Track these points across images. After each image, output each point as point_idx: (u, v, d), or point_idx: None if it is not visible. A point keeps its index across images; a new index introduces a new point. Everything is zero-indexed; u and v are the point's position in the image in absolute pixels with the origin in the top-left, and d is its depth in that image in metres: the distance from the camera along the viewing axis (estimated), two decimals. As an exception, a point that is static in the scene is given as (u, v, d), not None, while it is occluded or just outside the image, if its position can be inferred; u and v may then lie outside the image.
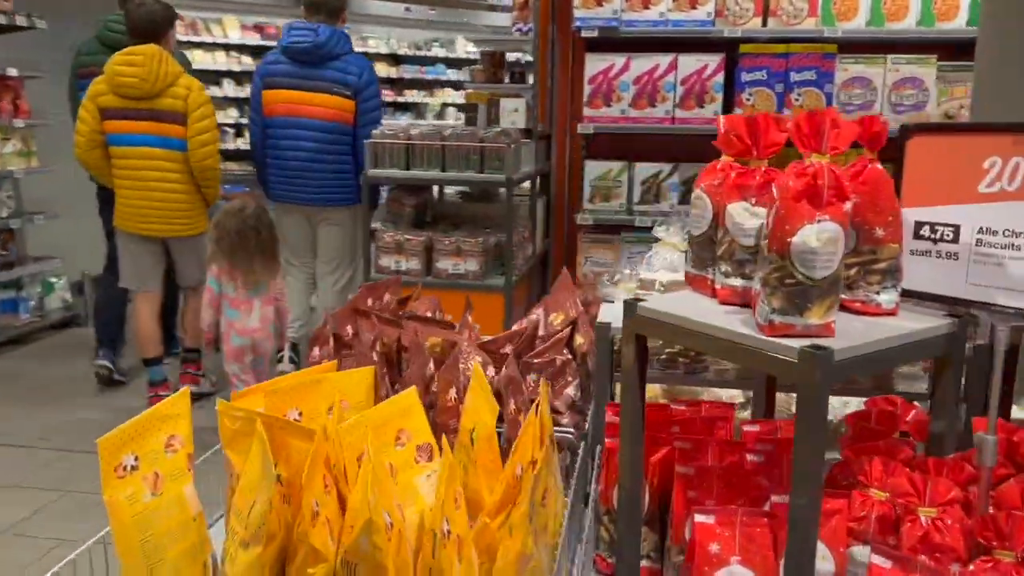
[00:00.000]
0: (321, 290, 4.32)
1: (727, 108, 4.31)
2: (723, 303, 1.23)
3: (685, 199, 4.44)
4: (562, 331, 1.90)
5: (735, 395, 2.25)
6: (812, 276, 1.05)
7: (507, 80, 4.94)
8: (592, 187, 4.45)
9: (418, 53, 10.85)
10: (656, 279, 1.78)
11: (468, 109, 4.55)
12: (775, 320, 1.05)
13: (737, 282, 1.21)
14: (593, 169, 4.44)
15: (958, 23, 4.03)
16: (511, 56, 5.36)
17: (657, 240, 2.05)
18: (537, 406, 1.30)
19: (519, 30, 4.57)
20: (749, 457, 1.30)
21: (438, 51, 10.94)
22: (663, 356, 1.89)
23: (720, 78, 4.27)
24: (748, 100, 4.25)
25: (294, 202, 4.13)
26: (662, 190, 4.43)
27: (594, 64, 4.35)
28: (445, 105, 10.65)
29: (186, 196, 3.93)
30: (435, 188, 4.55)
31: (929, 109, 4.09)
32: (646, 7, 4.27)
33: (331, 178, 4.03)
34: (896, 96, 4.11)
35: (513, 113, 4.40)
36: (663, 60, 4.30)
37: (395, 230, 4.07)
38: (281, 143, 4.01)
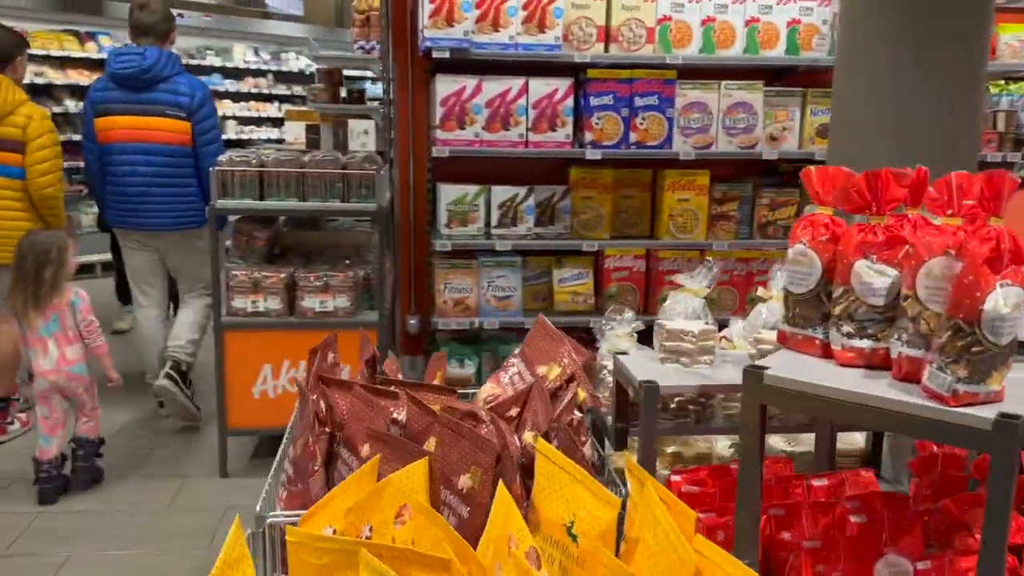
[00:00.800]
0: (182, 304, 4.38)
1: (577, 132, 4.39)
2: (845, 365, 1.21)
3: (541, 221, 4.47)
4: (563, 385, 1.80)
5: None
6: (998, 343, 1.06)
7: (343, 102, 4.67)
8: (448, 212, 4.33)
9: (191, 62, 10.05)
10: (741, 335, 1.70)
11: (309, 131, 4.24)
12: (959, 390, 1.05)
13: (864, 344, 1.19)
14: (449, 193, 4.33)
15: (778, 51, 4.41)
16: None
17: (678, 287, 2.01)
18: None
19: (361, 48, 4.33)
20: (852, 519, 1.29)
21: (213, 60, 10.20)
22: (673, 406, 1.86)
23: (570, 102, 4.33)
24: (597, 124, 4.36)
25: (136, 228, 4.11)
26: (519, 213, 4.41)
27: (446, 86, 4.24)
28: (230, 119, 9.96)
29: (29, 225, 3.82)
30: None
31: (757, 132, 4.44)
32: (496, 30, 4.23)
33: (174, 201, 4.04)
34: (729, 120, 4.41)
35: (363, 135, 4.16)
36: (515, 83, 4.29)
37: (248, 267, 3.69)
38: (118, 169, 4.00)
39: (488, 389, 1.97)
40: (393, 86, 4.26)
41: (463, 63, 4.29)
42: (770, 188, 4.54)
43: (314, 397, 1.69)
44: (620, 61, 4.33)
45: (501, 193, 4.37)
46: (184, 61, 9.17)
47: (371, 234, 4.45)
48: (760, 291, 1.78)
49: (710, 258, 1.90)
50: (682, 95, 4.38)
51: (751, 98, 4.41)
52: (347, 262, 3.94)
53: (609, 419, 1.92)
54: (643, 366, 1.75)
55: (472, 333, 4.70)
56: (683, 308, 1.78)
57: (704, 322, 1.69)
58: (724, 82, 4.39)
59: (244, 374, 3.67)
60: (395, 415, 1.55)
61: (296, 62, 10.70)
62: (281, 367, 3.67)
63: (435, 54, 4.16)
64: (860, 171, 2.72)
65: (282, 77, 10.63)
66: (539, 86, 4.31)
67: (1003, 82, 5.04)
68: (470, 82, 4.25)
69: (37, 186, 3.80)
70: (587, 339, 4.43)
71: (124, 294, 5.52)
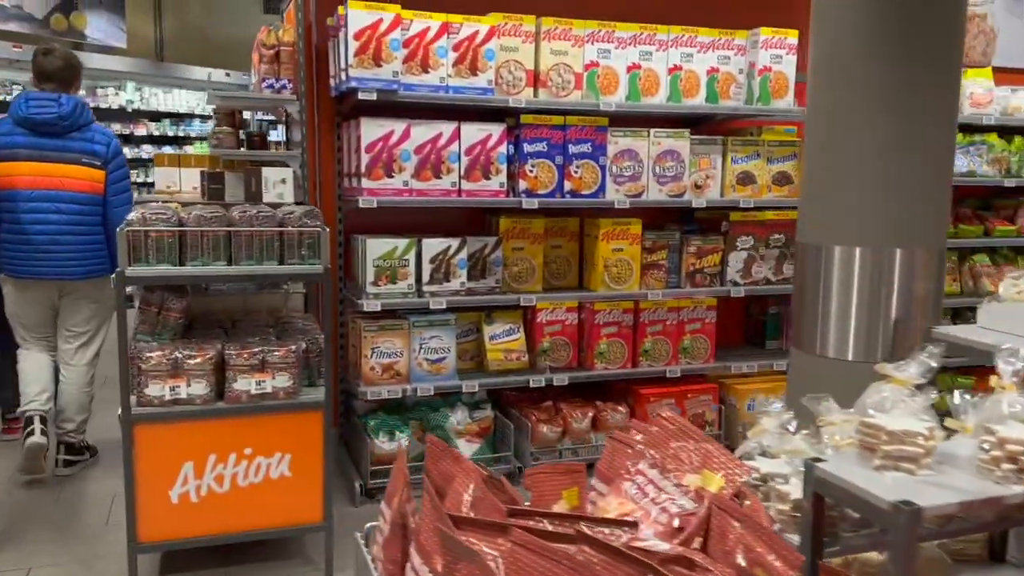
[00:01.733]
0: (66, 365, 4.19)
1: (511, 179, 4.14)
2: None
3: (473, 275, 4.15)
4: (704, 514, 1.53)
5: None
6: None
7: (243, 147, 4.09)
8: (376, 267, 3.91)
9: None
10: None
11: (210, 179, 3.66)
12: None
13: None
14: (376, 247, 3.91)
15: (699, 99, 4.41)
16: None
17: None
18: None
19: (270, 87, 3.82)
20: None
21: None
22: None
23: (504, 148, 4.08)
24: (531, 172, 4.13)
25: (39, 277, 3.97)
26: (451, 267, 4.07)
27: (372, 130, 3.85)
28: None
29: None
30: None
31: (685, 179, 4.40)
32: (425, 71, 3.90)
33: (82, 251, 3.99)
34: (659, 168, 4.34)
35: (280, 185, 3.66)
36: (446, 128, 3.97)
37: (163, 345, 3.08)
38: (24, 217, 3.85)
39: (616, 506, 1.65)
40: (310, 131, 3.79)
41: (388, 106, 3.92)
42: (695, 236, 4.51)
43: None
44: (555, 107, 4.14)
45: (434, 246, 4.01)
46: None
47: (285, 295, 3.93)
48: (992, 380, 1.59)
49: (931, 346, 1.66)
50: (613, 142, 4.26)
51: (678, 146, 4.37)
52: (270, 329, 3.41)
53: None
54: (867, 478, 1.44)
55: (397, 401, 4.27)
56: (893, 402, 1.53)
57: (928, 421, 1.47)
58: (653, 130, 4.32)
59: (160, 475, 3.03)
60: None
61: (116, 98, 9.65)
62: (206, 464, 3.06)
63: (361, 95, 3.76)
64: (833, 216, 2.74)
65: (99, 114, 9.54)
66: (472, 132, 4.02)
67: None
68: (398, 126, 3.88)
69: None
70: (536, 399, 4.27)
71: None
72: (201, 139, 10.84)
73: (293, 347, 3.14)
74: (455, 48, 3.95)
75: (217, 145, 3.81)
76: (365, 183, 3.86)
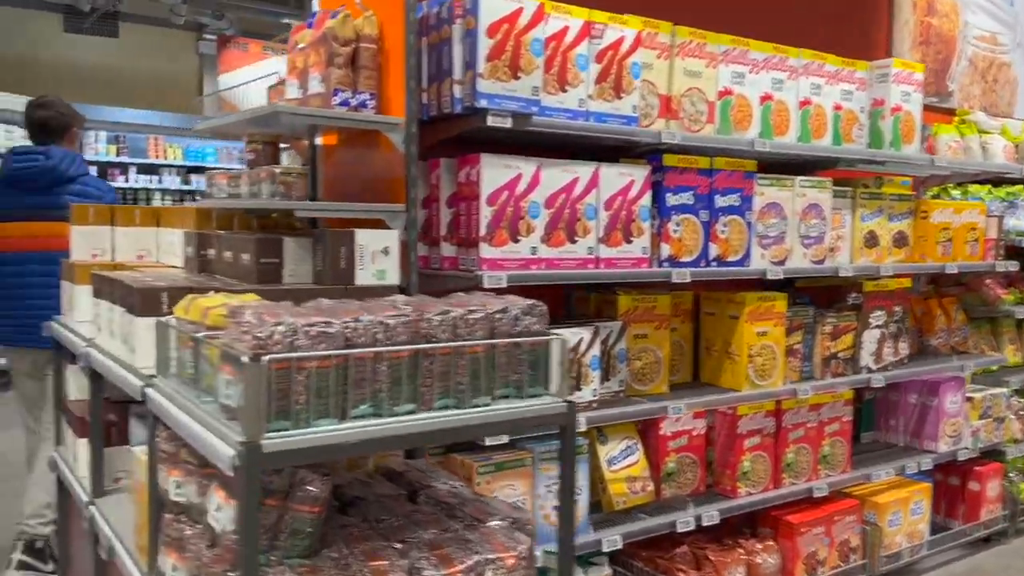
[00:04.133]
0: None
1: (653, 243, 2.99)
2: None
3: (609, 376, 2.94)
4: None
5: None
6: None
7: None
8: (498, 379, 2.57)
9: None
10: None
11: (262, 249, 2.17)
12: None
13: None
14: (499, 349, 2.57)
15: (826, 141, 3.54)
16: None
17: None
18: None
19: (344, 103, 2.38)
20: None
21: None
22: None
23: (647, 200, 2.93)
24: (675, 232, 3.02)
25: (22, 345, 3.57)
26: (583, 369, 2.82)
27: (495, 173, 2.55)
28: None
29: None
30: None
31: (826, 241, 3.50)
32: (563, 88, 2.68)
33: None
34: (804, 226, 3.41)
35: (381, 257, 2.23)
36: (583, 172, 2.77)
37: (299, 569, 1.60)
38: (10, 280, 3.56)
39: None
40: (405, 170, 2.40)
41: (503, 138, 2.66)
42: (831, 312, 3.60)
43: None
44: (703, 145, 3.08)
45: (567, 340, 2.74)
46: None
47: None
48: None
49: None
50: (760, 193, 3.27)
51: (821, 199, 3.47)
52: (408, 503, 1.99)
53: None
54: None
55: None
56: None
57: None
58: (799, 179, 3.39)
59: None
60: None
61: None
62: None
63: (491, 119, 2.47)
64: None
65: None
66: (612, 177, 2.84)
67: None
68: (527, 168, 2.62)
69: None
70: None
71: None
72: None
73: (516, 549, 1.76)
74: (598, 58, 2.77)
75: (285, 193, 2.24)
76: (485, 251, 2.53)
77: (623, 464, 3.12)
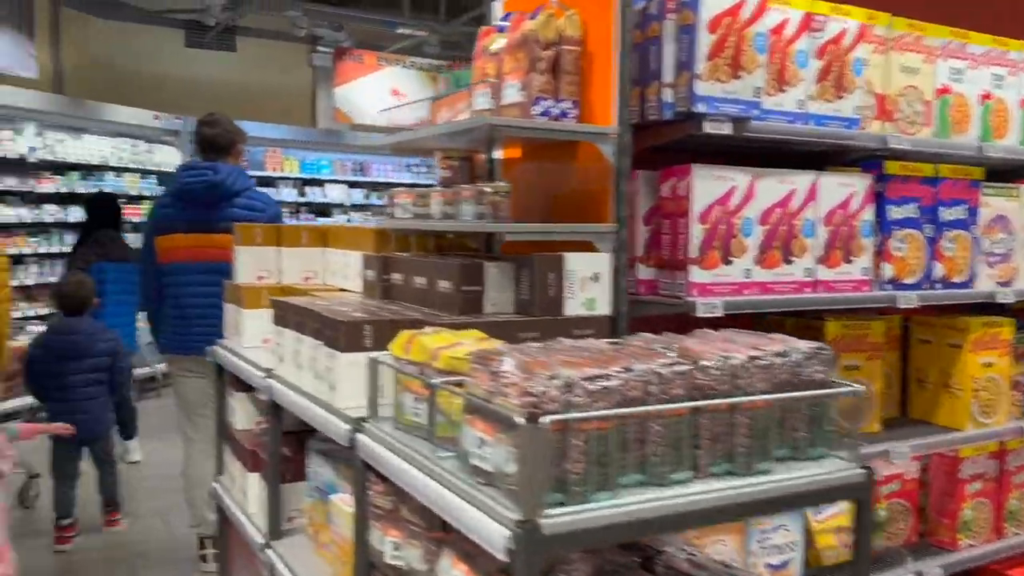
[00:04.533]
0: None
1: (875, 263, 2.64)
2: None
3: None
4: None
5: None
6: None
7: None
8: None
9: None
10: None
11: (464, 276, 1.95)
12: None
13: None
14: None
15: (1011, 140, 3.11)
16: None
17: None
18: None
19: (546, 113, 2.14)
20: None
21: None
22: None
23: (869, 214, 2.59)
24: (898, 250, 2.65)
25: (191, 353, 3.53)
26: (800, 407, 2.49)
27: (707, 186, 2.26)
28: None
29: None
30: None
31: (1052, 257, 3.07)
32: (781, 88, 2.37)
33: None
34: (1032, 241, 2.99)
35: (590, 284, 1.99)
36: (801, 183, 2.44)
37: None
38: (183, 291, 3.64)
39: None
40: (616, 185, 2.14)
41: (711, 146, 2.37)
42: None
43: None
44: (929, 150, 2.71)
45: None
46: None
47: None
48: None
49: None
50: (985, 204, 2.87)
51: (1047, 210, 3.04)
52: None
53: None
54: None
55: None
56: None
57: None
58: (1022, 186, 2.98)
59: None
60: None
61: (12, 144, 7.33)
62: None
63: (708, 125, 2.18)
64: None
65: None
66: (832, 187, 2.51)
67: None
68: (741, 180, 2.31)
69: None
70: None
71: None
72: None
73: None
74: (818, 54, 2.45)
75: (493, 213, 1.99)
76: (696, 274, 2.25)
77: (831, 513, 2.77)
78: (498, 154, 2.66)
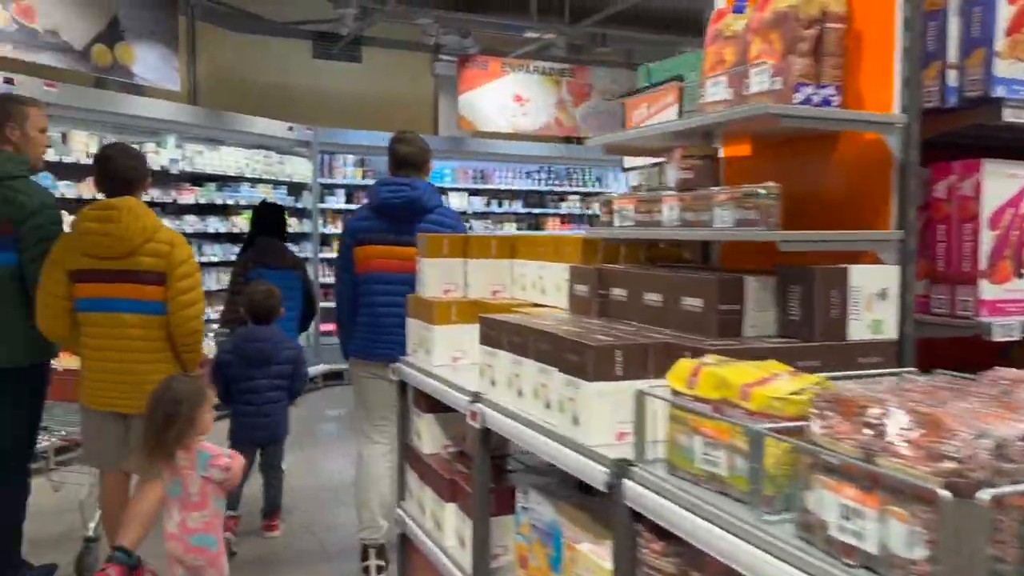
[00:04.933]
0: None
1: None
2: None
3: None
4: None
5: None
6: None
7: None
8: None
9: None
10: None
11: (723, 293, 1.68)
12: None
13: None
14: None
15: None
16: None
17: None
18: None
19: (807, 100, 1.85)
20: None
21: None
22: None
23: None
24: None
25: (381, 359, 3.59)
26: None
27: (999, 186, 1.91)
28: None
29: (163, 366, 3.23)
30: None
31: None
32: (1067, 65, 1.99)
33: None
34: None
35: (877, 302, 1.68)
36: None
37: None
38: (378, 299, 3.78)
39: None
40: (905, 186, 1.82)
41: (981, 137, 2.01)
42: None
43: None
44: None
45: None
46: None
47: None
48: None
49: None
50: None
51: None
52: None
53: None
54: None
55: None
56: None
57: None
58: None
59: None
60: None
61: (156, 156, 7.52)
62: None
63: (1008, 113, 1.84)
64: None
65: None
66: None
67: None
68: (1032, 176, 1.95)
69: (181, 320, 3.25)
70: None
71: None
72: (248, 207, 8.81)
73: None
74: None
75: (761, 219, 1.71)
76: (987, 290, 1.90)
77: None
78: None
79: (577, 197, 10.63)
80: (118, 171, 3.29)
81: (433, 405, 2.63)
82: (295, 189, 9.13)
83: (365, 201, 4.07)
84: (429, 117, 11.03)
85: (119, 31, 6.69)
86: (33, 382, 3.44)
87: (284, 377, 4.31)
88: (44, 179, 6.24)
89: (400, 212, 3.72)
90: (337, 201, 9.30)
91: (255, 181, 8.76)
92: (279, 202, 7.72)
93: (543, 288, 2.52)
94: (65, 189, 6.46)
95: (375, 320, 3.76)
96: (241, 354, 4.22)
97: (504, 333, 2.04)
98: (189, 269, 3.27)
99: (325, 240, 9.26)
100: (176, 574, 2.88)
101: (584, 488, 1.86)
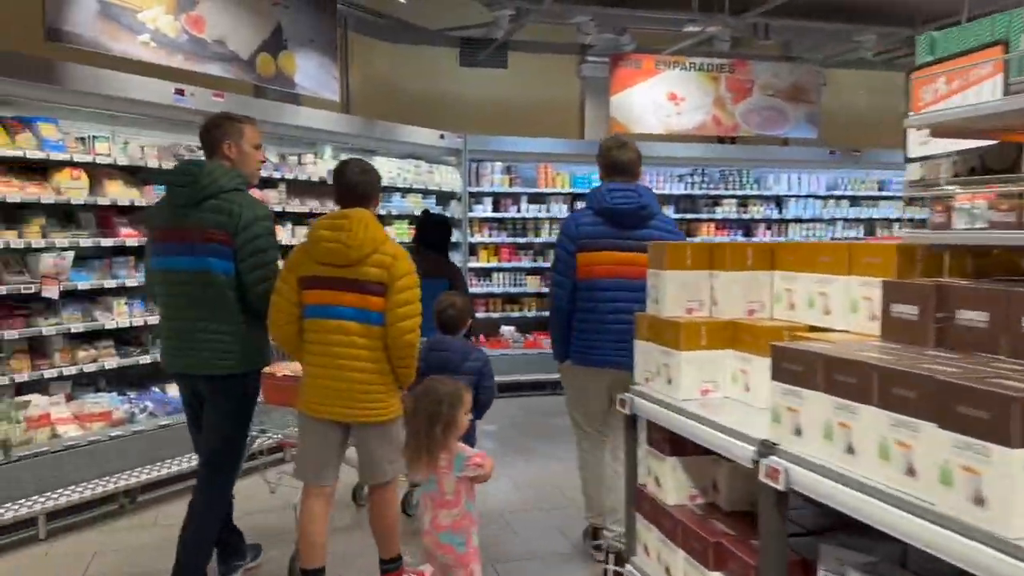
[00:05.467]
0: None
1: None
2: None
3: None
4: None
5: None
6: None
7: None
8: None
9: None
10: None
11: None
12: None
13: None
14: None
15: None
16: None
17: None
18: None
19: None
20: None
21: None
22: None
23: None
24: None
25: (601, 365, 3.76)
26: None
27: None
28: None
29: (378, 379, 3.30)
30: None
31: None
32: None
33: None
34: None
35: None
36: None
37: None
38: (601, 306, 3.77)
39: None
40: None
41: None
42: None
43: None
44: None
45: None
46: (168, 164, 5.80)
47: None
48: None
49: None
50: None
51: None
52: None
53: None
54: None
55: None
56: None
57: None
58: None
59: None
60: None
61: (314, 167, 7.47)
62: None
63: None
64: None
65: (297, 188, 7.33)
66: None
67: None
68: None
69: (396, 332, 3.25)
70: None
71: None
72: (400, 217, 8.68)
73: None
74: None
75: None
76: None
77: None
78: None
79: (734, 201, 9.97)
80: (350, 184, 3.40)
81: (678, 447, 2.20)
82: (443, 198, 8.95)
83: (580, 206, 4.04)
84: (575, 121, 10.68)
85: (282, 40, 6.63)
86: (245, 389, 3.51)
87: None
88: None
89: (628, 218, 3.74)
90: (484, 210, 9.06)
91: (406, 191, 8.63)
92: (437, 212, 7.50)
93: (826, 307, 2.04)
94: (229, 201, 6.43)
95: (600, 326, 3.77)
96: (429, 363, 4.13)
97: (819, 368, 1.58)
98: (408, 283, 3.30)
99: (473, 250, 9.05)
100: (432, 569, 3.03)
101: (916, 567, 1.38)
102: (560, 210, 9.90)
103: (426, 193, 8.82)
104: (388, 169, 8.38)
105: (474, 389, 4.19)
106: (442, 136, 8.43)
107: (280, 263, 3.46)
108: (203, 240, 3.30)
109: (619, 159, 3.87)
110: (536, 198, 9.76)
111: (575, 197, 9.99)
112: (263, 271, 3.36)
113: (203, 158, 3.55)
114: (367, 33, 9.25)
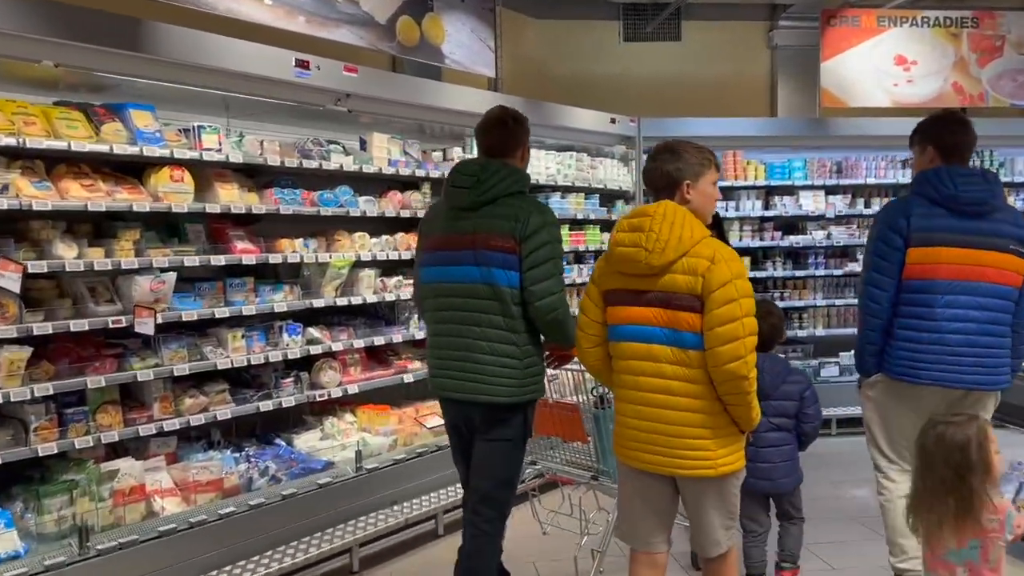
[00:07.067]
0: None
1: None
2: None
3: None
4: None
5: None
6: None
7: None
8: None
9: (308, 164, 5.53)
10: None
11: None
12: None
13: None
14: None
15: None
16: None
17: None
18: None
19: None
20: None
21: (343, 160, 5.62)
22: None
23: None
24: None
25: (938, 383, 3.46)
26: None
27: None
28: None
29: (702, 417, 2.83)
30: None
31: None
32: None
33: (987, 354, 3.43)
34: None
35: None
36: None
37: None
38: (939, 311, 3.42)
39: None
40: None
41: None
42: None
43: None
44: None
45: None
46: (292, 163, 4.68)
47: None
48: None
49: None
50: None
51: None
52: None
53: None
54: None
55: None
56: None
57: None
58: None
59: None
60: None
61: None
62: None
63: None
64: None
65: (440, 189, 6.09)
66: None
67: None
68: None
69: (719, 359, 2.69)
70: None
71: None
72: (594, 223, 7.34)
73: None
74: None
75: None
76: None
77: None
78: None
79: (972, 190, 8.06)
80: (654, 172, 2.96)
81: None
82: (607, 198, 7.51)
83: (904, 193, 3.66)
84: (764, 97, 9.09)
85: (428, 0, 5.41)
86: (526, 419, 3.23)
87: (786, 415, 3.82)
88: (343, 193, 5.11)
89: (972, 208, 3.40)
90: (659, 209, 7.62)
91: (566, 190, 7.24)
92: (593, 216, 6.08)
93: None
94: (365, 206, 5.24)
95: (934, 335, 3.42)
96: None
97: None
98: (732, 293, 2.71)
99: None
100: None
101: None
102: (754, 207, 8.22)
103: (588, 192, 7.41)
104: (545, 164, 6.99)
105: (793, 418, 3.77)
106: (613, 120, 7.01)
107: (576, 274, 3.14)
108: (486, 248, 3.08)
109: (961, 141, 3.52)
110: (725, 193, 8.10)
111: (769, 191, 8.29)
112: (549, 283, 3.09)
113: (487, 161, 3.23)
114: (519, 9, 8.09)
